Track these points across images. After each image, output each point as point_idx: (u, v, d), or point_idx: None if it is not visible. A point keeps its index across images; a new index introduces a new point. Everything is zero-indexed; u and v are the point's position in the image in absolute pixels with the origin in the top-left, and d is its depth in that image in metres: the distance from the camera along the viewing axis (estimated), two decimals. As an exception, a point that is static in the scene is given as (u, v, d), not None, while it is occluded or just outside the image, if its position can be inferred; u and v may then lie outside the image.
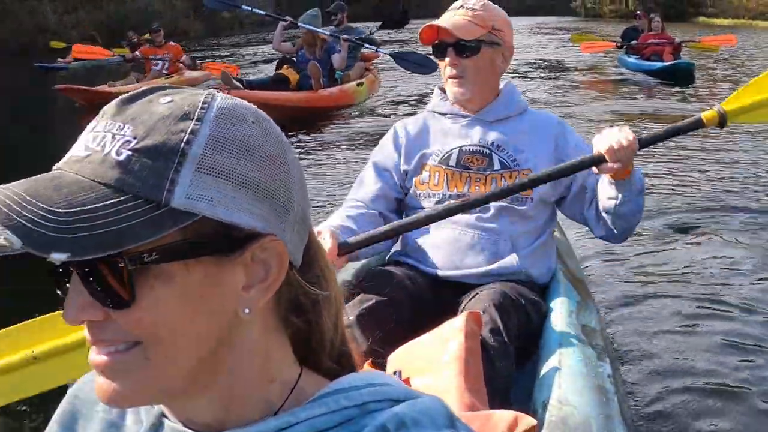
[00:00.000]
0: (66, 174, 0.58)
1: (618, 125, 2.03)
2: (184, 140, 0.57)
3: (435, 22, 2.21)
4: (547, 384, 1.69)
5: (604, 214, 2.09)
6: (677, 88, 11.47)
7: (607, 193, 2.05)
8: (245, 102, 0.63)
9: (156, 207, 0.55)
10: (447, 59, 2.20)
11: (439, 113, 2.31)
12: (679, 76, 12.12)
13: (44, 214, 0.53)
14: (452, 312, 1.95)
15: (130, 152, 0.56)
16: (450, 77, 2.23)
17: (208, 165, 0.57)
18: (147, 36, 14.36)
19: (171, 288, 0.57)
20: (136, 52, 13.02)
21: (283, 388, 0.65)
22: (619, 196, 2.01)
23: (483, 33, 2.18)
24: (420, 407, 0.62)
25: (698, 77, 12.89)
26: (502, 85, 2.32)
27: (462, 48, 2.18)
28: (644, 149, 2.04)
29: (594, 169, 2.00)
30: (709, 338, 3.18)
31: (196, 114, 0.58)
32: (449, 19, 2.20)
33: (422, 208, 2.16)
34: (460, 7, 2.22)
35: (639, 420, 2.52)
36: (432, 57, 2.42)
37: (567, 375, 1.71)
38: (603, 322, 2.50)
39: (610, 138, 1.94)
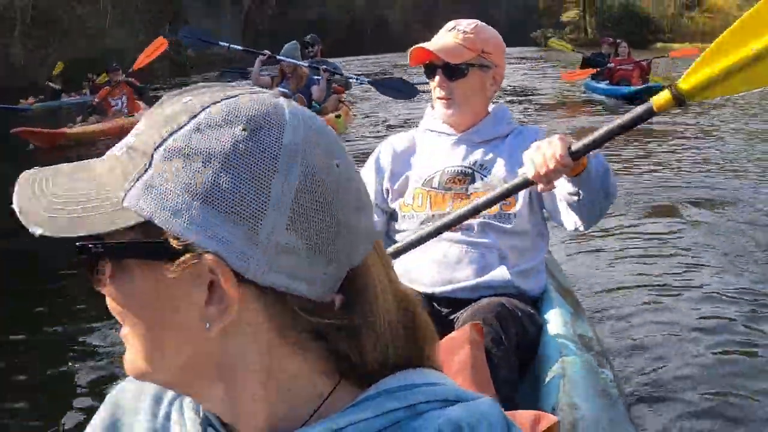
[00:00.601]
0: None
1: (549, 138, 1.79)
2: (156, 144, 0.57)
3: (424, 44, 2.22)
4: (553, 391, 1.71)
5: (569, 209, 1.99)
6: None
7: (566, 189, 1.90)
8: (262, 105, 0.59)
9: (117, 204, 0.57)
10: (436, 80, 2.23)
11: (429, 130, 2.34)
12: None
13: (47, 192, 0.60)
14: (448, 328, 1.95)
15: (123, 149, 0.60)
16: (438, 98, 2.25)
17: (167, 171, 0.56)
18: (104, 78, 14.28)
19: (132, 285, 0.59)
20: (95, 98, 13.02)
21: (309, 397, 0.62)
22: (580, 191, 1.87)
23: (472, 56, 2.18)
24: (476, 411, 0.59)
25: None
26: (493, 106, 2.33)
27: (450, 71, 2.19)
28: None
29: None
30: (700, 337, 3.29)
31: (184, 118, 0.58)
32: (438, 42, 2.22)
33: (406, 229, 2.18)
34: (452, 29, 2.24)
35: (642, 422, 2.55)
36: (415, 83, 2.40)
37: (571, 381, 1.73)
38: (596, 332, 2.53)
39: (535, 158, 1.74)
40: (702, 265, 4.24)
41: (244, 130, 0.57)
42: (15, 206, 0.60)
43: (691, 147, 8.30)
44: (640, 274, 4.19)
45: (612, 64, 13.71)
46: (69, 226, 0.57)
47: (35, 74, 20.12)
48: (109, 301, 0.62)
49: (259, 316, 0.59)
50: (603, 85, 13.58)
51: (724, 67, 1.56)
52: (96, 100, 12.84)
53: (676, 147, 8.34)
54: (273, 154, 0.57)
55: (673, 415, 2.62)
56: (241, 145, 0.56)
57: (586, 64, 14.45)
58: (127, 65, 12.37)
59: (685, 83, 1.63)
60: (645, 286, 3.98)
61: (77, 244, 0.58)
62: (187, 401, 0.69)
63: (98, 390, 3.25)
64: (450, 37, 2.22)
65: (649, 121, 1.74)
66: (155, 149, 0.57)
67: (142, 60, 11.31)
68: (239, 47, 8.94)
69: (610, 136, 1.71)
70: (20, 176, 0.63)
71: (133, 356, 0.62)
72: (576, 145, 1.73)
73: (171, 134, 0.57)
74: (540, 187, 1.79)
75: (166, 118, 0.59)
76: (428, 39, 2.28)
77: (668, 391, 2.78)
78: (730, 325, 3.39)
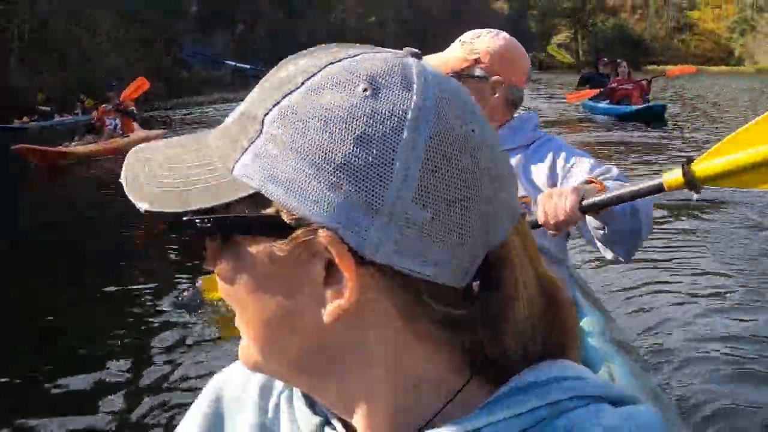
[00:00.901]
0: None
1: (564, 187, 1.80)
2: (268, 108, 0.51)
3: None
4: (603, 396, 1.67)
5: (599, 242, 1.94)
6: (651, 128, 11.94)
7: (593, 224, 1.88)
8: (386, 63, 0.52)
9: (226, 175, 0.52)
10: None
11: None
12: (652, 118, 12.45)
13: (157, 166, 0.55)
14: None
15: (235, 115, 0.54)
16: None
17: (279, 136, 0.50)
18: (89, 102, 14.46)
19: (242, 263, 0.53)
20: (93, 117, 13.26)
21: (436, 394, 0.55)
22: (605, 226, 1.84)
23: (463, 66, 2.14)
24: (637, 421, 0.51)
25: (667, 118, 13.44)
26: (518, 115, 2.28)
27: None
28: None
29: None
30: (729, 336, 3.33)
31: (299, 80, 0.52)
32: (439, 54, 2.21)
33: None
34: (458, 39, 2.22)
35: (694, 423, 2.58)
36: None
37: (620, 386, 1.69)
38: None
39: (547, 205, 1.74)
40: (714, 264, 4.36)
41: (365, 90, 0.50)
42: (122, 180, 0.55)
43: (692, 153, 8.46)
44: (648, 276, 4.26)
45: (614, 84, 13.82)
46: (176, 201, 0.53)
47: (33, 98, 20.29)
48: (219, 283, 0.57)
49: (383, 302, 0.52)
50: (603, 104, 13.69)
51: (742, 164, 1.49)
52: (95, 118, 13.03)
53: (678, 153, 8.47)
54: (398, 117, 0.49)
55: (722, 415, 2.63)
56: (361, 107, 0.49)
57: (583, 81, 14.57)
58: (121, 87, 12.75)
59: (698, 169, 1.55)
60: (653, 285, 4.06)
61: (183, 219, 0.54)
62: (298, 393, 0.64)
63: (193, 377, 3.27)
64: (452, 47, 2.21)
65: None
66: (266, 113, 0.51)
67: (127, 96, 12.03)
68: (247, 66, 9.09)
69: (618, 201, 1.71)
70: (130, 151, 0.59)
71: (246, 345, 0.56)
72: (587, 201, 1.72)
73: (284, 97, 0.51)
74: (549, 233, 1.79)
75: (280, 81, 0.52)
76: None
77: (711, 392, 2.79)
78: (756, 322, 3.44)
